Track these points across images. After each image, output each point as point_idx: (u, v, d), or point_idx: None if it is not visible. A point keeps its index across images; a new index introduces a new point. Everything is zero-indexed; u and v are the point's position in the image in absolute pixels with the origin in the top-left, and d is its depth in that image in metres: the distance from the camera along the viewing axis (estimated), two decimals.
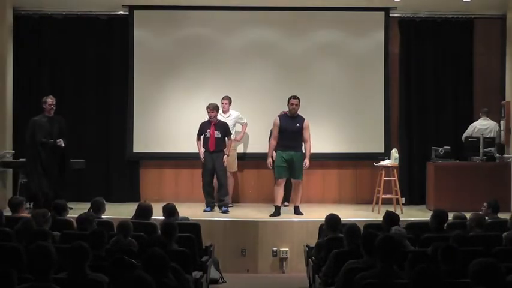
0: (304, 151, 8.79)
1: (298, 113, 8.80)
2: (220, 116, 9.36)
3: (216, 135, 8.92)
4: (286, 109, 8.95)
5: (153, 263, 4.18)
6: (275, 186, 8.93)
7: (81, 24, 10.41)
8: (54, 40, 10.42)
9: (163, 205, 6.99)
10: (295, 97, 8.78)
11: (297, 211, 8.77)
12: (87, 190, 9.73)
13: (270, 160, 8.88)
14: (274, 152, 8.91)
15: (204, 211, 8.88)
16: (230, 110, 9.74)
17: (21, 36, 10.33)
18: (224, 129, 9.04)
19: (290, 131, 8.73)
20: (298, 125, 8.72)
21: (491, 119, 10.07)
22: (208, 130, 8.91)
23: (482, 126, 9.88)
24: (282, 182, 8.85)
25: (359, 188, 10.43)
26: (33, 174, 8.83)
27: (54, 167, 8.83)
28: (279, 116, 8.96)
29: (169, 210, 6.92)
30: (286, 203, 9.47)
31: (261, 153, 9.36)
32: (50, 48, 10.43)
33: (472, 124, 10.00)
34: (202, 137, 9.00)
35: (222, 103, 9.60)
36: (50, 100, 8.90)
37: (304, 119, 8.77)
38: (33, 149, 8.79)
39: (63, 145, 8.84)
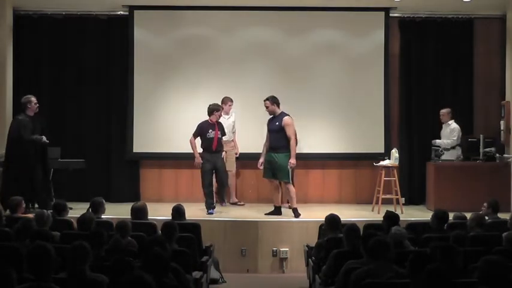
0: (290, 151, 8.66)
1: (283, 111, 8.76)
2: (223, 119, 9.45)
3: (218, 135, 8.94)
4: (289, 110, 9.05)
5: (153, 263, 4.19)
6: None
7: (81, 24, 10.42)
8: (54, 40, 10.43)
9: (173, 205, 7.08)
10: (265, 100, 8.76)
11: (294, 213, 8.64)
12: (87, 190, 9.72)
13: (260, 160, 8.89)
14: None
15: (209, 214, 8.80)
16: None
17: (21, 36, 10.33)
18: (223, 129, 9.12)
19: (271, 130, 8.74)
20: (277, 123, 8.66)
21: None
22: (211, 131, 8.87)
23: None
24: (271, 182, 8.86)
25: (359, 188, 10.43)
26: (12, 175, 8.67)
27: (39, 165, 8.74)
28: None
29: (179, 211, 6.97)
30: (286, 204, 9.47)
31: (261, 153, 9.36)
32: (49, 48, 10.43)
33: None
34: (199, 137, 8.96)
35: (230, 105, 9.74)
36: (35, 100, 8.71)
37: (284, 116, 8.67)
38: (19, 148, 8.54)
39: (47, 141, 8.72)
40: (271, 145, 8.72)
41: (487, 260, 3.92)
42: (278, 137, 8.64)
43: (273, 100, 8.74)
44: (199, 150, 9.01)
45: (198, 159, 8.90)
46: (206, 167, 8.88)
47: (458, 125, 9.91)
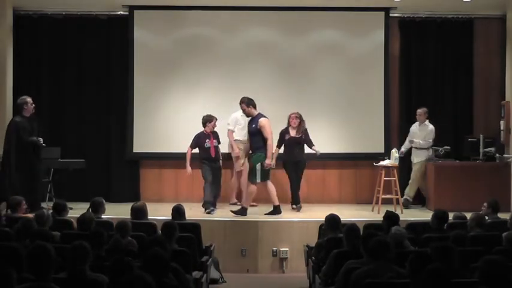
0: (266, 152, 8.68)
1: (260, 112, 8.84)
2: (242, 117, 9.52)
3: (214, 144, 9.22)
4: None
5: (153, 263, 4.19)
6: None
7: (81, 24, 10.42)
8: (54, 40, 10.43)
9: (173, 205, 7.09)
10: (240, 103, 8.89)
11: (240, 211, 8.68)
12: (87, 190, 9.72)
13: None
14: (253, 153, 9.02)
15: (211, 212, 8.90)
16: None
17: (21, 36, 10.33)
18: (218, 137, 9.40)
19: (250, 132, 8.90)
20: (254, 125, 8.78)
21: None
22: (208, 141, 9.17)
23: None
24: (263, 183, 8.84)
25: (359, 188, 10.43)
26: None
27: (39, 166, 8.74)
28: None
29: (179, 211, 7.00)
30: (293, 206, 9.49)
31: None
32: (49, 48, 10.43)
33: None
34: (197, 148, 9.19)
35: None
36: (31, 101, 8.67)
37: (259, 118, 8.75)
38: (19, 149, 8.51)
39: (44, 145, 8.71)
40: (251, 147, 8.94)
41: (487, 260, 3.92)
42: (256, 139, 8.77)
43: (249, 102, 8.83)
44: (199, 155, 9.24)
45: (188, 169, 9.12)
46: (205, 166, 9.14)
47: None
